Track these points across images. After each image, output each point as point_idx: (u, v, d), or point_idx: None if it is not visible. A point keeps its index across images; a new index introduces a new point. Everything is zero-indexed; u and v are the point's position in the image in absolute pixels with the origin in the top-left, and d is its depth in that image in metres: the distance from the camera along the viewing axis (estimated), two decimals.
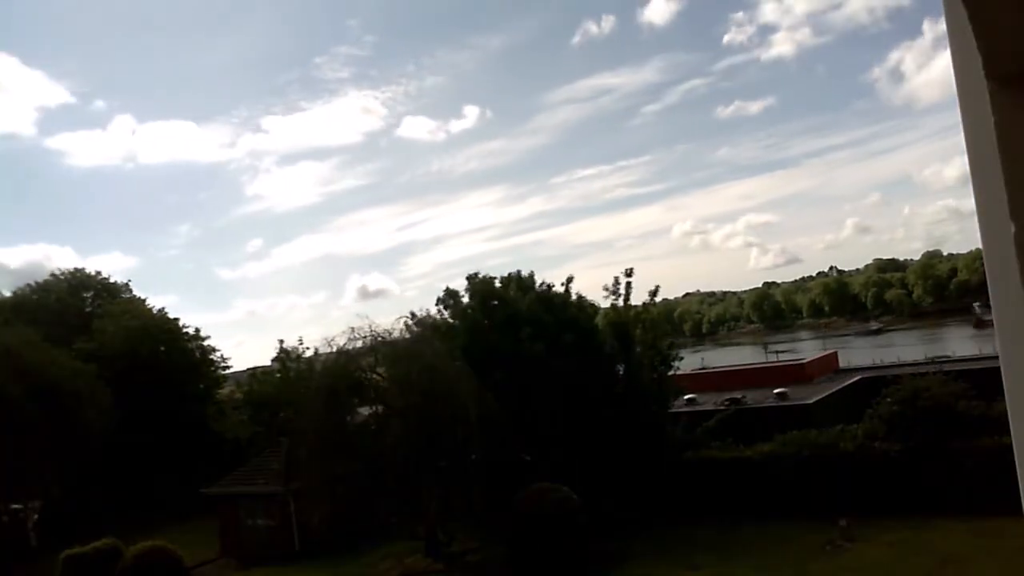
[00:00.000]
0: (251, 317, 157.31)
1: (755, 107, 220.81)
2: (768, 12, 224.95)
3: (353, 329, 27.59)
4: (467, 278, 30.57)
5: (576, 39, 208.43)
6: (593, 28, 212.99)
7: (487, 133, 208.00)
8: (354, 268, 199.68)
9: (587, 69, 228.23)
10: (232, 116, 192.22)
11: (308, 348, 35.68)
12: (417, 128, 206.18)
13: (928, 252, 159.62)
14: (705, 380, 38.67)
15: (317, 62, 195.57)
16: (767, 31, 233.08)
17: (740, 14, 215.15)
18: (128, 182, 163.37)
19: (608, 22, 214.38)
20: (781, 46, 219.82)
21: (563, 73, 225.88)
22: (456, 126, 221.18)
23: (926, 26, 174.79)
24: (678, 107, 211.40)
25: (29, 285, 49.07)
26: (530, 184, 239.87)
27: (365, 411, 28.27)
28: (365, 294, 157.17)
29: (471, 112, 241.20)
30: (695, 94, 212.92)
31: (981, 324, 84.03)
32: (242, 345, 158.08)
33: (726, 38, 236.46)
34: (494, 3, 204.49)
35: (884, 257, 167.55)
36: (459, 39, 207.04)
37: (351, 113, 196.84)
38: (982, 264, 1.29)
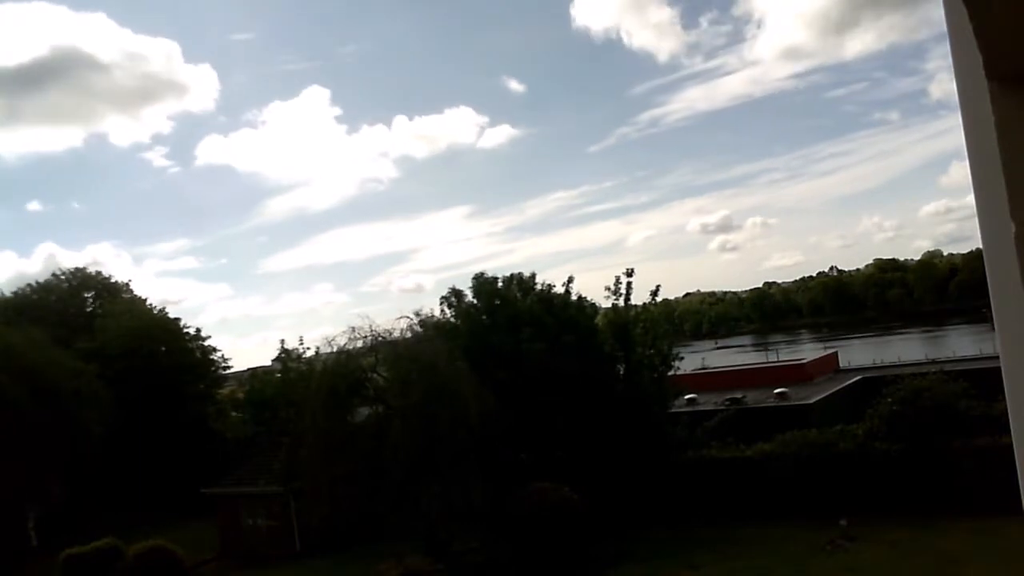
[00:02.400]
0: (279, 314, 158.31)
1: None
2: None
3: (354, 329, 27.54)
4: (473, 278, 30.66)
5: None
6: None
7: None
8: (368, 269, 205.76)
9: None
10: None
11: (309, 348, 35.65)
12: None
13: (929, 252, 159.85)
14: (705, 380, 38.67)
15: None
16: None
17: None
18: (182, 183, 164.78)
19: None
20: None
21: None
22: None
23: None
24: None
25: (30, 285, 49.08)
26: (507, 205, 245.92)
27: (365, 411, 28.24)
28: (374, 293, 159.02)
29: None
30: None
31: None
32: (266, 342, 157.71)
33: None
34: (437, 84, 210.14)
35: (884, 257, 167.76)
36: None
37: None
38: (982, 264, 1.29)
